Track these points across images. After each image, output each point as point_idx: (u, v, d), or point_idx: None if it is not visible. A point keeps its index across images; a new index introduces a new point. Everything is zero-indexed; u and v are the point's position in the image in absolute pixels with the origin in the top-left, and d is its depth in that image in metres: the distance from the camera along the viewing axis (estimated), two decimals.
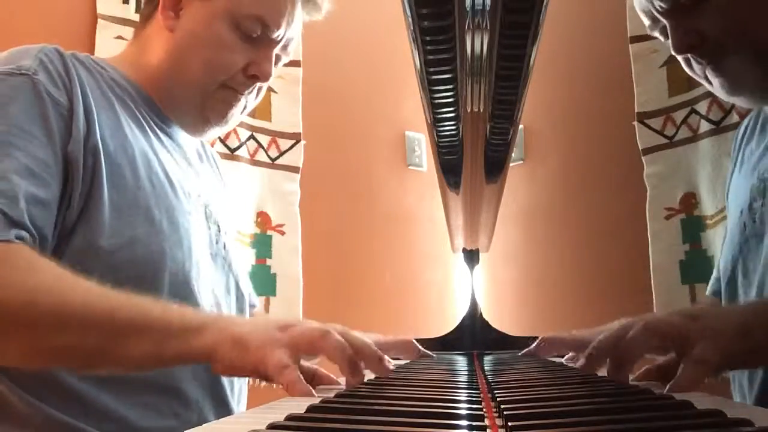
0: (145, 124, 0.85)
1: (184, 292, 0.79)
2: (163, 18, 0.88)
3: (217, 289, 0.87)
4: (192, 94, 0.88)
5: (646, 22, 0.93)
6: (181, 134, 0.93)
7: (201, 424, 0.78)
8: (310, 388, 0.59)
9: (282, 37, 0.90)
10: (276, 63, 0.92)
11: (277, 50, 0.92)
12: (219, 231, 0.91)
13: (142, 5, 0.95)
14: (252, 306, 1.03)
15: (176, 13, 0.88)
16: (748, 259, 0.90)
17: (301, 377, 0.60)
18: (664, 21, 0.89)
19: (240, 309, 0.94)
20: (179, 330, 0.64)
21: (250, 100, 0.93)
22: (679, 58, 0.92)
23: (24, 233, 0.66)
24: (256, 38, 0.88)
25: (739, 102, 0.94)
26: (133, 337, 0.63)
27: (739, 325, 0.62)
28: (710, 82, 0.91)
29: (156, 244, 0.77)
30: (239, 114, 0.93)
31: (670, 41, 0.90)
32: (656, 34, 0.93)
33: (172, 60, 0.88)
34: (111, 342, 0.63)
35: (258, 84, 0.91)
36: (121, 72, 0.88)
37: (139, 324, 0.64)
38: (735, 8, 0.84)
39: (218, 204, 0.94)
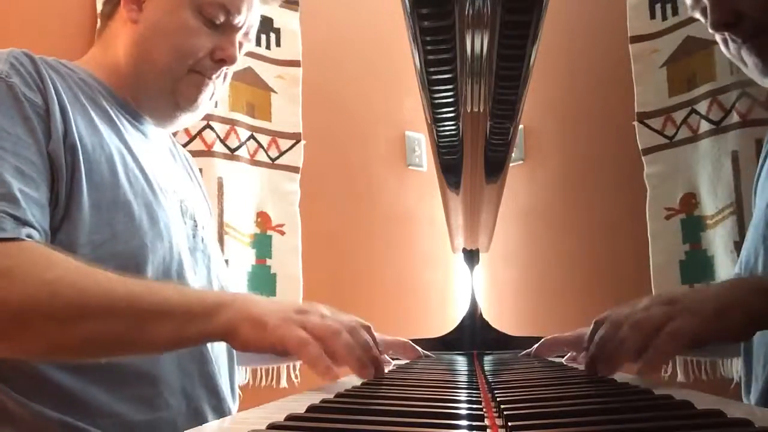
0: (117, 122, 0.86)
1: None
2: (127, 11, 0.89)
3: (198, 283, 0.87)
4: (162, 80, 0.89)
5: (688, 1, 0.94)
6: (152, 131, 0.93)
7: (194, 415, 0.79)
8: (332, 365, 0.62)
9: (243, 23, 0.93)
10: (240, 49, 0.95)
11: (239, 37, 0.94)
12: (196, 226, 0.91)
13: (103, 6, 0.95)
14: None
15: (139, 5, 0.90)
16: None
17: (323, 354, 0.62)
18: (705, 1, 0.90)
19: None
20: (199, 311, 0.66)
21: (218, 85, 0.94)
22: (717, 37, 0.92)
23: (33, 231, 0.68)
24: (219, 25, 0.90)
25: None
26: (155, 321, 0.65)
27: (716, 305, 0.64)
28: (745, 63, 0.91)
29: (137, 239, 0.77)
30: (208, 99, 0.94)
31: (708, 19, 0.90)
32: (697, 14, 0.94)
33: (139, 50, 0.89)
34: (134, 328, 0.65)
35: (224, 69, 0.93)
36: (89, 72, 0.88)
37: (161, 308, 0.66)
38: None
39: (192, 200, 0.94)
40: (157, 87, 0.90)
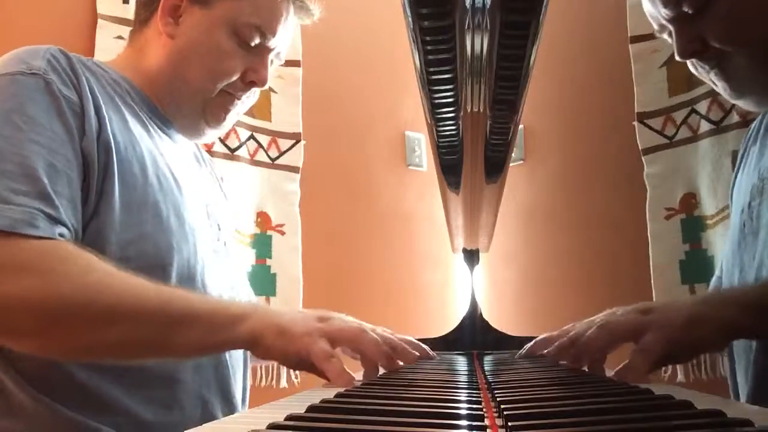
0: (148, 124, 0.87)
1: (190, 287, 0.81)
2: (163, 24, 0.90)
3: (221, 285, 0.88)
4: (193, 99, 0.91)
5: (654, 26, 0.95)
6: (179, 137, 0.95)
7: (206, 419, 0.80)
8: (353, 378, 0.65)
9: (277, 45, 0.94)
10: (269, 68, 0.96)
11: (271, 56, 0.95)
12: (219, 230, 0.92)
13: (138, 9, 0.96)
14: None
15: (176, 19, 0.90)
16: (745, 256, 0.90)
17: (344, 367, 0.65)
18: (670, 27, 0.91)
19: None
20: (224, 319, 0.69)
21: (246, 102, 0.96)
22: (687, 63, 0.94)
23: (65, 230, 0.69)
24: (253, 46, 0.91)
25: (744, 105, 0.96)
26: (182, 328, 0.68)
27: (688, 316, 0.66)
28: (716, 85, 0.93)
29: (164, 239, 0.78)
30: (235, 117, 0.96)
31: (675, 47, 0.92)
32: (665, 36, 0.95)
33: (173, 66, 0.90)
34: (162, 334, 0.68)
35: (254, 89, 0.95)
36: (121, 74, 0.89)
37: (188, 316, 0.69)
38: (735, 16, 0.85)
39: (217, 205, 0.96)
40: (189, 104, 0.91)
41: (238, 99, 0.93)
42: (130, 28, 0.97)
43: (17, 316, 0.64)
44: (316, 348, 0.66)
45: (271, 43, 0.92)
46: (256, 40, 0.90)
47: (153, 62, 0.91)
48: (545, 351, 0.83)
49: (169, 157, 0.87)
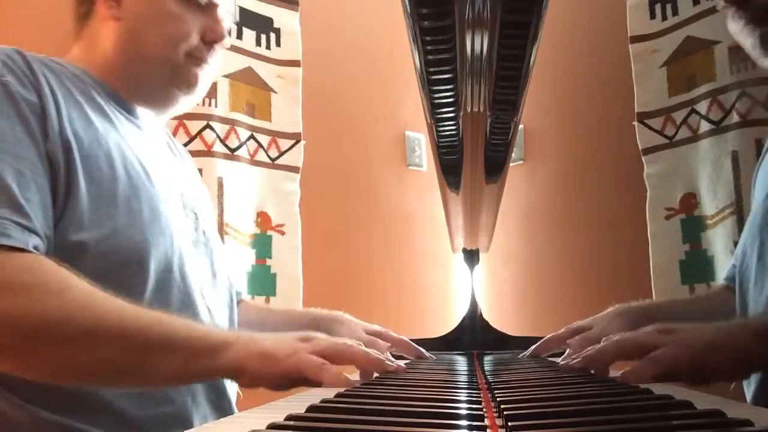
0: (112, 116, 0.85)
1: (169, 280, 0.79)
2: (106, 8, 0.89)
3: (201, 275, 0.87)
4: (160, 69, 0.89)
5: None
6: (148, 125, 0.93)
7: (195, 407, 0.79)
8: (350, 380, 0.64)
9: (223, 0, 0.93)
10: (224, 23, 0.95)
11: (221, 13, 0.94)
12: (197, 219, 0.91)
13: (75, 6, 0.94)
14: (238, 294, 1.04)
15: (117, 2, 0.89)
16: (766, 243, 0.90)
17: (339, 371, 0.65)
18: None
19: (226, 295, 0.95)
20: (203, 347, 0.66)
21: (213, 64, 0.94)
22: (728, 10, 0.92)
23: (38, 240, 0.67)
24: (201, 6, 0.91)
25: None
26: (162, 354, 0.66)
27: (709, 341, 0.65)
28: (746, 41, 0.91)
29: (138, 234, 0.77)
30: (207, 81, 0.95)
31: None
32: None
33: (128, 46, 0.88)
34: (141, 359, 0.65)
35: (216, 47, 0.93)
36: (79, 68, 0.87)
37: (167, 341, 0.66)
38: None
39: (192, 193, 0.94)
40: (157, 78, 0.90)
41: (204, 61, 0.92)
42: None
43: None
44: (306, 361, 0.65)
45: None
46: (203, 0, 0.90)
47: (107, 50, 0.89)
48: (565, 362, 0.82)
49: (138, 147, 0.85)
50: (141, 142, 0.87)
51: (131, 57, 0.89)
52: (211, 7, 0.92)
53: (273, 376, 0.66)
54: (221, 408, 0.84)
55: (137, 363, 0.66)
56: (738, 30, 0.92)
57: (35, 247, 0.67)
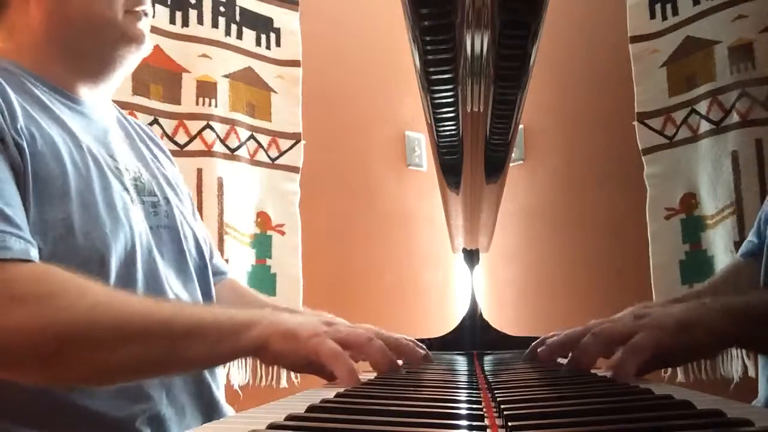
0: (53, 107, 0.80)
1: (132, 273, 0.77)
2: None
3: (167, 263, 0.84)
4: (101, 35, 0.85)
5: None
6: (93, 110, 0.88)
7: (173, 404, 0.78)
8: (359, 377, 0.64)
9: None
10: None
11: None
12: (157, 202, 0.87)
13: None
14: (222, 274, 1.02)
15: None
16: None
17: (353, 366, 0.65)
18: None
19: (200, 276, 0.91)
20: (229, 329, 0.68)
21: (149, 12, 0.90)
22: None
23: (32, 248, 0.66)
24: None
25: None
26: (189, 341, 0.66)
27: (679, 321, 0.67)
28: None
29: (96, 229, 0.74)
30: (148, 29, 0.90)
31: None
32: None
33: (56, 22, 0.83)
34: (171, 349, 0.66)
35: None
36: (9, 60, 0.82)
37: (195, 329, 0.67)
38: None
39: (151, 173, 0.90)
40: (100, 44, 0.85)
41: (144, 13, 0.88)
42: None
43: (19, 349, 0.61)
44: (324, 348, 0.66)
45: None
46: None
47: (33, 35, 0.83)
48: (539, 350, 0.84)
49: (85, 136, 0.81)
50: (87, 130, 0.83)
51: (64, 32, 0.84)
52: None
53: (293, 356, 0.67)
54: (201, 396, 0.82)
55: (167, 354, 0.66)
56: None
57: (35, 257, 0.65)
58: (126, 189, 0.82)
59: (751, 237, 1.05)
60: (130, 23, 0.86)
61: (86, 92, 0.88)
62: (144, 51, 0.90)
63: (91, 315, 0.63)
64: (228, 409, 0.88)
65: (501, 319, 1.47)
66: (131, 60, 0.89)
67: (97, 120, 0.87)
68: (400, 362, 0.75)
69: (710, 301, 0.72)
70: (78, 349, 0.63)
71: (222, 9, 1.63)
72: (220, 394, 0.87)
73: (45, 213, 0.70)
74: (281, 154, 1.69)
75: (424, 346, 0.87)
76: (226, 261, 1.47)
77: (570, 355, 0.73)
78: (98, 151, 0.81)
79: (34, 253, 0.65)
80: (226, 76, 1.60)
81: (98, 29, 0.84)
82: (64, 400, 0.70)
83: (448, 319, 1.61)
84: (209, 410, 0.84)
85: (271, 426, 0.37)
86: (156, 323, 0.66)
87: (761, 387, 0.90)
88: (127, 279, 0.76)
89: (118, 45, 0.86)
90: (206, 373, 0.84)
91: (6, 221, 0.64)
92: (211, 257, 0.98)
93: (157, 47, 1.51)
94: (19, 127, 0.71)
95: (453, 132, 0.79)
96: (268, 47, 1.70)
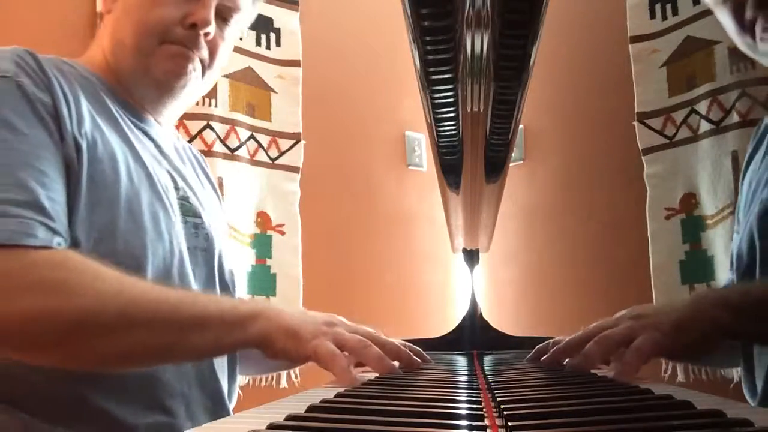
0: (120, 119, 0.84)
1: (166, 285, 0.78)
2: (103, 4, 0.88)
3: (199, 281, 0.86)
4: (133, 60, 0.86)
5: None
6: (156, 130, 0.91)
7: (190, 417, 0.79)
8: (356, 376, 0.65)
9: None
10: (226, 18, 0.90)
11: (217, 1, 0.88)
12: (200, 224, 0.89)
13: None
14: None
15: None
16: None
17: (350, 366, 0.67)
18: None
19: None
20: (234, 320, 0.69)
21: (204, 57, 0.89)
22: (734, 28, 0.90)
23: (62, 239, 0.68)
24: None
25: None
26: (196, 330, 0.68)
27: (675, 321, 0.68)
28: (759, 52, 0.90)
29: (138, 238, 0.76)
30: (197, 74, 0.89)
31: (732, 20, 0.89)
32: (719, 10, 0.92)
33: (114, 37, 0.87)
34: (176, 337, 0.68)
35: (205, 36, 0.87)
36: (89, 70, 0.86)
37: (200, 318, 0.69)
38: None
39: (197, 197, 0.92)
40: (132, 69, 0.86)
41: (188, 49, 0.86)
42: None
43: (35, 331, 0.64)
44: (322, 349, 0.67)
45: None
46: None
47: (104, 46, 0.87)
48: (542, 360, 0.84)
49: (144, 152, 0.84)
50: (146, 147, 0.86)
51: (114, 50, 0.86)
52: None
53: (295, 355, 0.69)
54: (216, 415, 0.83)
55: (173, 342, 0.68)
56: (751, 43, 0.90)
57: (58, 245, 0.67)
58: (172, 206, 0.84)
59: (729, 274, 1.04)
60: (162, 56, 0.85)
61: (151, 112, 0.91)
62: (183, 93, 0.90)
63: (101, 302, 0.65)
64: None
65: (501, 319, 1.47)
66: (164, 97, 0.90)
67: (156, 139, 0.90)
68: (397, 364, 0.74)
69: (704, 297, 0.72)
70: (86, 334, 0.65)
71: None
72: (231, 407, 0.89)
73: (93, 214, 0.73)
74: (281, 154, 1.69)
75: (423, 353, 0.86)
76: None
77: (570, 361, 0.73)
78: (152, 168, 0.84)
79: (57, 242, 0.67)
80: (226, 75, 1.60)
81: (129, 54, 0.86)
82: (82, 399, 0.71)
83: (448, 319, 1.61)
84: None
85: (271, 426, 0.37)
86: (164, 311, 0.68)
87: (758, 383, 0.90)
88: None
89: (145, 78, 0.87)
90: (223, 389, 0.86)
91: (39, 211, 0.67)
92: (234, 288, 0.99)
93: None
94: (83, 131, 0.75)
95: (453, 132, 0.79)
96: (268, 47, 1.70)
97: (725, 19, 0.92)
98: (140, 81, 0.88)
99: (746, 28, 0.89)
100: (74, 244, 0.71)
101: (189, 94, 0.92)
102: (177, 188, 0.88)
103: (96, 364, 0.69)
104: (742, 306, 0.70)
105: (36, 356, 0.67)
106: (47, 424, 0.69)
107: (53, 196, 0.69)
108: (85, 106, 0.78)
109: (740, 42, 0.92)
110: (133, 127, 0.86)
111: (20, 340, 0.64)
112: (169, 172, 0.88)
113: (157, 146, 0.90)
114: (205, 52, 0.88)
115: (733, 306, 0.69)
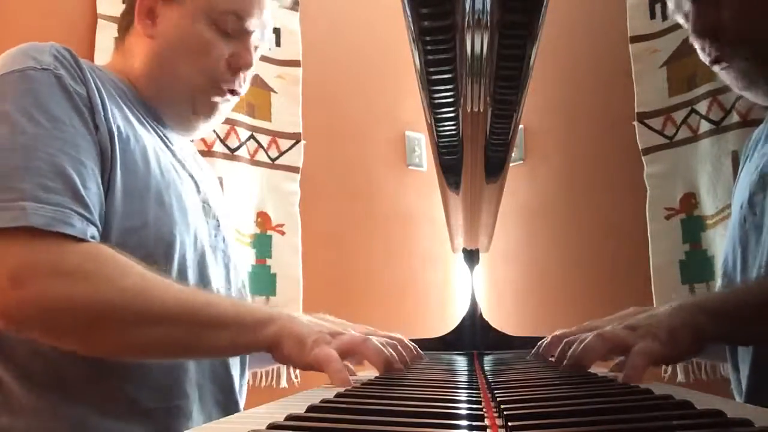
0: (145, 124, 0.87)
1: (187, 279, 0.82)
2: (142, 26, 0.91)
3: (217, 280, 0.89)
4: (185, 95, 0.91)
5: (671, 4, 0.96)
6: (175, 139, 0.95)
7: (202, 406, 0.81)
8: (349, 377, 0.67)
9: (257, 26, 0.94)
10: (255, 51, 0.96)
11: (254, 39, 0.95)
12: (218, 226, 0.93)
13: (120, 18, 0.96)
14: None
15: (153, 20, 0.91)
16: (748, 252, 0.91)
17: (344, 368, 0.68)
18: (688, 5, 0.92)
19: None
20: (250, 323, 0.73)
21: (239, 91, 0.95)
22: (696, 44, 0.94)
23: (95, 231, 0.71)
24: (232, 32, 0.91)
25: (750, 97, 0.96)
26: (213, 330, 0.72)
27: (668, 328, 0.70)
28: (720, 74, 0.94)
29: (167, 227, 0.79)
30: (228, 108, 0.97)
31: (689, 26, 0.93)
32: (679, 19, 0.95)
33: (158, 66, 0.90)
34: (195, 336, 0.71)
35: (243, 74, 0.94)
36: (116, 76, 0.89)
37: (219, 319, 0.72)
38: (750, 7, 0.86)
39: (215, 202, 0.96)
40: (180, 100, 0.91)
41: (228, 91, 0.93)
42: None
43: (63, 318, 0.67)
44: (321, 356, 0.69)
45: (251, 25, 0.92)
46: (236, 26, 0.91)
47: (139, 64, 0.91)
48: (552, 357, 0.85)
49: (167, 154, 0.88)
50: (169, 150, 0.90)
51: (159, 77, 0.90)
52: (243, 34, 0.92)
53: (299, 362, 0.72)
54: (226, 408, 0.86)
55: (192, 340, 0.71)
56: (710, 64, 0.94)
57: (92, 237, 0.70)
58: (196, 205, 0.88)
59: (721, 272, 1.05)
60: (210, 96, 0.92)
61: (175, 127, 0.95)
62: (211, 125, 0.97)
63: (124, 297, 0.68)
64: None
65: (501, 319, 1.47)
66: (199, 127, 0.96)
67: (178, 147, 0.94)
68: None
69: (687, 304, 0.74)
70: (108, 326, 0.68)
71: None
72: (242, 403, 0.92)
73: (126, 203, 0.76)
74: (281, 154, 1.69)
75: (417, 347, 0.89)
76: None
77: (570, 352, 0.73)
78: (179, 168, 0.88)
79: (92, 234, 0.70)
80: None
81: (180, 89, 0.91)
82: (106, 385, 0.74)
83: (448, 319, 1.61)
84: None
85: (271, 426, 0.37)
86: (184, 311, 0.71)
87: (743, 380, 0.91)
88: (188, 283, 0.81)
89: (190, 110, 0.92)
90: (237, 387, 0.89)
91: (77, 201, 0.69)
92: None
93: None
94: (116, 123, 0.78)
95: (453, 132, 0.79)
96: (268, 47, 1.70)
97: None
98: (180, 110, 0.92)
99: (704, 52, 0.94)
100: (107, 232, 0.74)
101: (216, 123, 0.99)
102: (199, 191, 0.91)
103: (114, 354, 0.72)
104: (717, 311, 0.72)
105: (58, 342, 0.70)
106: (68, 403, 0.72)
107: (89, 185, 0.71)
108: (116, 104, 0.82)
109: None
110: (157, 133, 0.90)
111: (43, 324, 0.67)
112: (191, 176, 0.92)
113: (180, 153, 0.94)
114: (240, 87, 0.95)
115: (710, 311, 0.72)
